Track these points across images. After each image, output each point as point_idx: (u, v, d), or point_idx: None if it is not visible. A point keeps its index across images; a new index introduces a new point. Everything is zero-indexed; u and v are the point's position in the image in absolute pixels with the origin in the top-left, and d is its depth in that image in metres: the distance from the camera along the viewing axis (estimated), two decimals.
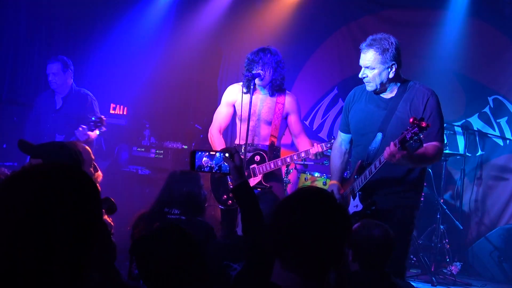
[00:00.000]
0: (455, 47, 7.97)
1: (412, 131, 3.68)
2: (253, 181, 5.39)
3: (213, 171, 3.30)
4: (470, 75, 8.01)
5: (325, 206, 2.13)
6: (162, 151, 8.37)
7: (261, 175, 5.42)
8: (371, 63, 4.21)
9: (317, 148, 5.26)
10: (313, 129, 8.71)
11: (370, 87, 4.32)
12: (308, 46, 8.83)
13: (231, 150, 3.25)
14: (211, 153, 3.29)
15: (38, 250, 1.52)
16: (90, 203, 1.62)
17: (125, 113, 8.85)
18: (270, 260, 2.18)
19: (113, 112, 8.81)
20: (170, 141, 8.49)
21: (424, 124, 3.65)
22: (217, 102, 8.83)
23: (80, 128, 6.25)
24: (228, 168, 3.21)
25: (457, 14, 7.98)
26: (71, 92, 6.83)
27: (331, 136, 8.58)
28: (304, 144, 5.60)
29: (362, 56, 4.27)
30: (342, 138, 4.71)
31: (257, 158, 5.46)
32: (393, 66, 4.22)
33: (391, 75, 4.25)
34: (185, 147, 8.50)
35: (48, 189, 1.56)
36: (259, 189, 5.25)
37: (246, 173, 5.32)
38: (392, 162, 3.90)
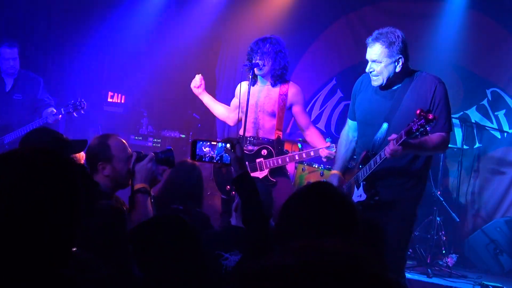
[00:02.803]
0: (454, 38, 7.96)
1: (418, 123, 3.67)
2: (259, 175, 5.34)
3: (214, 161, 3.31)
4: (468, 67, 8.02)
5: (333, 200, 2.18)
6: (159, 140, 8.40)
7: (267, 170, 5.39)
8: (377, 57, 4.18)
9: (327, 151, 5.23)
10: (311, 119, 8.69)
11: (376, 81, 4.28)
12: (307, 36, 8.80)
13: (233, 140, 3.25)
14: (212, 143, 3.30)
15: (20, 233, 1.54)
16: (68, 188, 1.64)
17: (122, 101, 8.85)
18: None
19: (110, 100, 8.81)
20: (168, 130, 8.50)
21: (431, 116, 3.64)
22: (215, 92, 8.87)
23: (50, 110, 6.38)
24: (229, 159, 3.23)
25: (457, 5, 7.97)
26: (20, 74, 6.74)
27: (329, 127, 8.69)
28: (316, 138, 5.53)
29: (369, 50, 4.24)
30: (349, 125, 4.68)
31: (264, 152, 5.42)
32: (400, 60, 4.19)
33: (398, 69, 4.22)
34: (183, 136, 8.52)
35: (27, 173, 1.58)
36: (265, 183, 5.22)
37: (251, 167, 5.37)
38: (398, 156, 3.92)
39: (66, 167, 1.66)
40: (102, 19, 8.76)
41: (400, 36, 4.21)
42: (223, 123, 8.96)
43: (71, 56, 8.59)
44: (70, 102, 6.43)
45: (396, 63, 4.19)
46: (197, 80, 5.78)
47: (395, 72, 4.22)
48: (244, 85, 5.56)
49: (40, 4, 8.16)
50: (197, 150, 3.30)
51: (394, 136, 3.87)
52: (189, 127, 8.75)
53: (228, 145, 3.22)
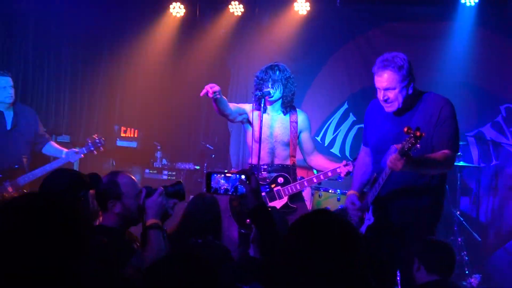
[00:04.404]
0: (464, 57, 7.94)
1: (409, 141, 3.64)
2: (278, 204, 5.35)
3: (229, 193, 3.28)
4: (481, 85, 7.97)
5: (337, 228, 2.12)
6: (174, 173, 8.41)
7: (286, 197, 5.38)
8: (390, 84, 4.14)
9: (346, 168, 5.24)
10: (325, 145, 8.68)
11: (391, 107, 4.24)
12: (316, 61, 8.83)
13: (247, 172, 3.23)
14: (227, 174, 3.28)
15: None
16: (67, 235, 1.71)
17: (136, 135, 8.87)
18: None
19: (124, 135, 8.85)
20: (182, 162, 8.51)
21: (418, 134, 3.60)
22: (227, 121, 8.88)
23: (77, 150, 6.46)
24: (244, 190, 3.20)
25: (465, 25, 7.96)
26: (18, 109, 6.56)
27: (343, 151, 8.66)
28: (322, 162, 5.61)
29: (378, 79, 4.20)
30: (364, 150, 4.68)
31: (281, 180, 5.43)
32: (411, 82, 4.18)
33: (410, 91, 4.20)
34: (197, 167, 8.52)
35: (27, 220, 1.66)
36: (285, 211, 5.21)
37: (270, 196, 5.35)
38: (398, 170, 3.83)
39: (65, 215, 1.74)
40: (112, 55, 8.84)
41: (405, 58, 4.19)
42: (237, 153, 8.99)
43: (83, 92, 8.64)
44: (90, 140, 6.48)
45: (407, 86, 4.18)
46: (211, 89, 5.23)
47: (407, 95, 4.20)
48: (255, 113, 5.54)
49: (51, 38, 8.23)
50: (212, 182, 3.27)
51: (394, 147, 3.86)
52: (203, 158, 8.76)
53: (243, 177, 3.20)
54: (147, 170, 8.45)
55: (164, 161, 8.67)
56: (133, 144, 8.83)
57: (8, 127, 6.39)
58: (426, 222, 4.26)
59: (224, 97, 5.41)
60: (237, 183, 3.22)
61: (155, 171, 8.45)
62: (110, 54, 8.84)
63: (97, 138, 6.48)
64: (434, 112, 4.18)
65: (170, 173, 8.40)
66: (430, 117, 4.17)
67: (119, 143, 8.82)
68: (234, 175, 3.25)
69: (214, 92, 5.14)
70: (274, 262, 3.00)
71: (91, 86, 8.69)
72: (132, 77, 8.95)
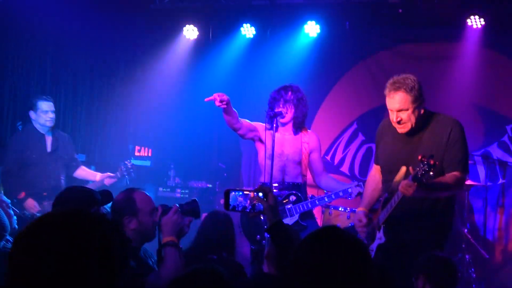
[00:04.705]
0: (470, 78, 8.11)
1: (422, 168, 3.75)
2: (290, 221, 5.41)
3: (247, 210, 3.36)
4: (487, 105, 8.14)
5: (345, 244, 2.12)
6: (187, 191, 8.54)
7: (297, 215, 5.47)
8: (403, 105, 4.22)
9: (358, 188, 5.34)
10: (335, 164, 8.83)
11: (404, 128, 4.32)
12: (327, 82, 9.01)
13: (265, 189, 3.30)
14: (245, 192, 3.35)
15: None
16: (104, 246, 1.71)
17: (149, 154, 9.04)
18: None
19: (138, 154, 9.01)
20: (195, 181, 8.65)
21: (432, 162, 3.72)
22: (238, 140, 9.06)
23: (112, 175, 6.87)
24: (262, 207, 3.28)
25: (471, 46, 8.13)
26: (56, 132, 6.88)
27: (352, 170, 8.80)
28: (331, 183, 5.72)
29: (390, 100, 4.28)
30: (375, 168, 4.76)
31: (293, 198, 5.51)
32: (422, 103, 4.27)
33: (421, 111, 4.28)
34: (210, 186, 8.65)
35: (63, 237, 1.66)
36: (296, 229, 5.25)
37: (281, 213, 5.44)
38: (410, 195, 3.94)
39: (100, 226, 1.75)
40: (126, 76, 9.04)
41: (415, 79, 4.28)
42: (249, 172, 9.14)
43: (98, 112, 8.83)
44: (124, 166, 6.93)
45: (419, 106, 4.26)
46: (218, 98, 5.33)
47: (419, 115, 4.28)
48: (261, 127, 5.69)
49: (68, 59, 8.44)
50: (230, 199, 3.35)
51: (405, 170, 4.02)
52: (216, 176, 8.90)
53: (260, 194, 3.28)
54: (160, 188, 8.59)
55: (177, 180, 8.82)
56: (147, 163, 9.00)
57: (49, 149, 6.68)
58: (435, 240, 4.33)
59: (235, 110, 5.52)
60: (255, 201, 3.33)
61: (168, 189, 8.60)
62: (125, 75, 9.05)
63: (129, 164, 6.75)
64: (443, 133, 4.27)
65: (183, 191, 8.54)
66: (440, 139, 4.26)
67: (134, 161, 8.99)
68: (251, 192, 3.33)
69: (222, 101, 5.21)
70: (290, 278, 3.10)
71: (106, 106, 8.88)
72: (146, 98, 9.14)
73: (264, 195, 3.28)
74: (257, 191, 3.34)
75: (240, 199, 3.37)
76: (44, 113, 6.62)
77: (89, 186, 6.55)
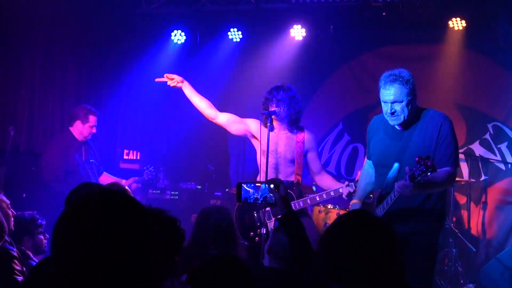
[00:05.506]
0: (453, 78, 8.37)
1: (419, 169, 3.87)
2: None
3: (258, 202, 3.46)
4: (469, 104, 8.38)
5: (375, 226, 2.22)
6: (177, 192, 8.63)
7: None
8: (398, 97, 4.31)
9: (348, 188, 5.36)
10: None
11: (396, 120, 4.40)
12: (312, 84, 9.18)
13: (276, 181, 3.41)
14: (256, 184, 3.47)
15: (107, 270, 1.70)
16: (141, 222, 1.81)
17: (138, 157, 9.12)
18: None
19: (126, 157, 9.07)
20: (184, 182, 8.76)
21: (429, 163, 3.84)
22: (227, 143, 9.22)
23: (137, 179, 7.28)
24: (273, 199, 3.39)
25: (453, 47, 8.37)
26: (89, 141, 7.10)
27: (339, 169, 8.97)
28: (328, 181, 5.79)
29: (385, 92, 4.36)
30: (367, 163, 4.86)
31: None
32: (415, 96, 4.38)
33: (415, 104, 4.40)
34: (199, 187, 8.76)
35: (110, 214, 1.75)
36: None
37: (274, 211, 5.50)
38: (407, 195, 4.08)
39: (136, 205, 1.85)
40: (114, 80, 9.10)
41: (410, 73, 4.39)
42: (237, 172, 9.27)
43: None
44: (147, 171, 7.32)
45: (413, 100, 4.37)
46: (166, 79, 6.10)
47: (413, 108, 4.38)
48: (256, 124, 5.84)
49: (57, 65, 8.51)
50: (242, 192, 3.46)
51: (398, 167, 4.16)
52: (204, 178, 9.01)
53: (272, 186, 3.39)
54: (150, 190, 8.67)
55: (167, 182, 8.90)
56: (136, 166, 9.06)
57: (91, 158, 6.98)
58: (432, 230, 4.43)
59: (202, 97, 6.04)
60: (266, 193, 3.42)
61: (159, 191, 8.68)
62: (112, 78, 9.12)
63: (153, 169, 6.92)
64: (434, 129, 4.36)
65: (173, 192, 8.63)
66: (431, 134, 4.36)
67: (122, 165, 9.07)
68: (263, 184, 3.44)
69: (172, 80, 5.89)
70: (307, 265, 3.15)
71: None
72: (134, 101, 9.23)
73: (276, 186, 3.38)
74: (269, 182, 3.45)
75: (252, 191, 3.47)
76: (91, 127, 6.88)
77: None
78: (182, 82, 6.02)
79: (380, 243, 2.17)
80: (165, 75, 5.96)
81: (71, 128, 6.85)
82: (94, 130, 6.92)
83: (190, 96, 6.04)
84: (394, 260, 2.19)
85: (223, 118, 5.97)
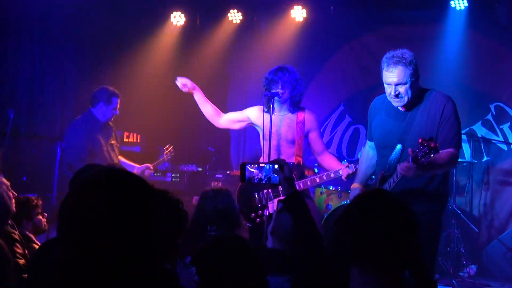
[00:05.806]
0: (455, 58, 8.29)
1: (422, 150, 3.86)
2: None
3: (263, 182, 3.41)
4: (471, 84, 8.32)
5: (393, 205, 2.21)
6: (178, 175, 8.61)
7: None
8: (402, 79, 4.28)
9: (348, 170, 5.35)
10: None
11: (400, 102, 4.38)
12: (313, 65, 9.12)
13: (281, 161, 3.36)
14: (260, 165, 3.42)
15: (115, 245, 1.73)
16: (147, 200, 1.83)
17: (138, 140, 9.09)
18: (344, 267, 2.27)
19: (127, 140, 9.04)
20: (185, 165, 8.72)
21: (432, 145, 3.83)
22: None
23: (150, 166, 7.17)
24: (277, 179, 3.34)
25: (455, 27, 8.32)
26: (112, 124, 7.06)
27: (340, 151, 8.95)
28: (331, 161, 5.75)
29: (389, 74, 4.33)
30: (368, 145, 4.85)
31: None
32: (418, 77, 4.36)
33: (418, 85, 4.38)
34: (200, 169, 8.73)
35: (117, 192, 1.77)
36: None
37: (275, 193, 5.51)
38: (410, 176, 4.06)
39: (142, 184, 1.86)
40: (114, 62, 9.07)
41: (412, 54, 4.36)
42: (238, 154, 9.25)
43: (86, 98, 8.84)
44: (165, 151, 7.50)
45: (416, 81, 4.35)
46: (179, 84, 6.10)
47: (416, 89, 4.37)
48: (255, 112, 5.84)
49: (56, 48, 8.46)
50: (246, 172, 3.42)
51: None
52: (205, 160, 8.98)
53: (276, 166, 3.34)
54: (151, 173, 8.64)
55: (167, 164, 8.87)
56: (136, 149, 9.03)
57: (112, 140, 6.95)
58: (435, 211, 4.43)
59: (212, 105, 6.07)
60: (270, 173, 3.36)
61: (159, 174, 8.65)
62: (112, 61, 9.08)
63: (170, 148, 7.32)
64: (437, 110, 4.34)
65: (174, 175, 8.61)
66: (434, 115, 4.34)
67: (123, 148, 9.02)
68: (267, 164, 3.39)
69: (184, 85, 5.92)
70: (312, 247, 3.11)
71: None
72: (134, 83, 9.17)
73: (280, 167, 3.34)
74: (273, 163, 3.40)
75: (255, 171, 3.42)
76: (114, 109, 6.82)
77: None
78: (194, 89, 6.07)
79: (400, 222, 2.18)
80: (178, 79, 6.10)
81: (92, 110, 6.77)
82: (116, 112, 6.85)
83: (199, 103, 6.14)
84: (413, 239, 2.21)
85: (225, 122, 6.10)
